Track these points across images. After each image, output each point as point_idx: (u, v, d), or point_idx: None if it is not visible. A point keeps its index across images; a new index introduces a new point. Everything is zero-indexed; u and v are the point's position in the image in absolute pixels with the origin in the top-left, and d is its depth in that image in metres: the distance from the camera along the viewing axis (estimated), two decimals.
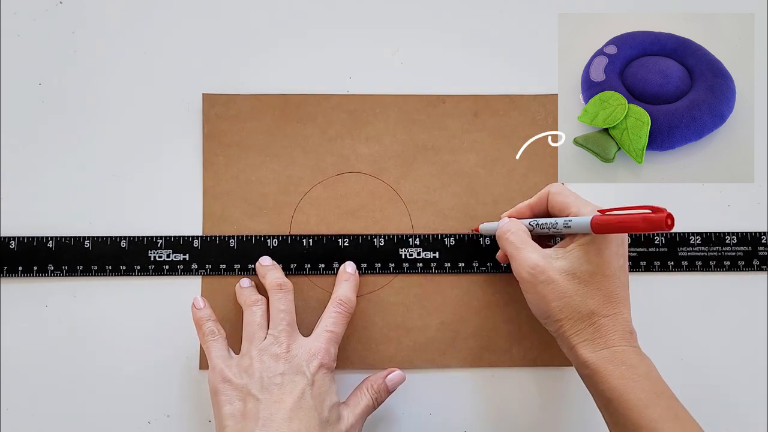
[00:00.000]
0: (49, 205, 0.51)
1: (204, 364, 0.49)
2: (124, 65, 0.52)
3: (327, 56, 0.53)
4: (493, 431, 0.50)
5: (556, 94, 0.52)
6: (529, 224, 0.46)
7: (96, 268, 0.50)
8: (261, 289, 0.49)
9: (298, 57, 0.53)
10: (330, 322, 0.46)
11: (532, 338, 0.50)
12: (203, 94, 0.52)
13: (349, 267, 0.49)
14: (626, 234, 0.44)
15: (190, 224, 0.51)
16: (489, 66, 0.53)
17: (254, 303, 0.47)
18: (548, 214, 0.46)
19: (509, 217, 0.47)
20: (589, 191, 0.52)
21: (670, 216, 0.37)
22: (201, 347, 0.49)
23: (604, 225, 0.40)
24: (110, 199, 0.51)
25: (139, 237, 0.50)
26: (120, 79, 0.52)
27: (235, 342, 0.47)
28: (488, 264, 0.51)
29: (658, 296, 0.51)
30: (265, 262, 0.49)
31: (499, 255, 0.49)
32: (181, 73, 0.52)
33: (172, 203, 0.51)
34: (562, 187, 0.45)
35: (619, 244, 0.43)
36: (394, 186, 0.51)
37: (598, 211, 0.42)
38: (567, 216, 0.43)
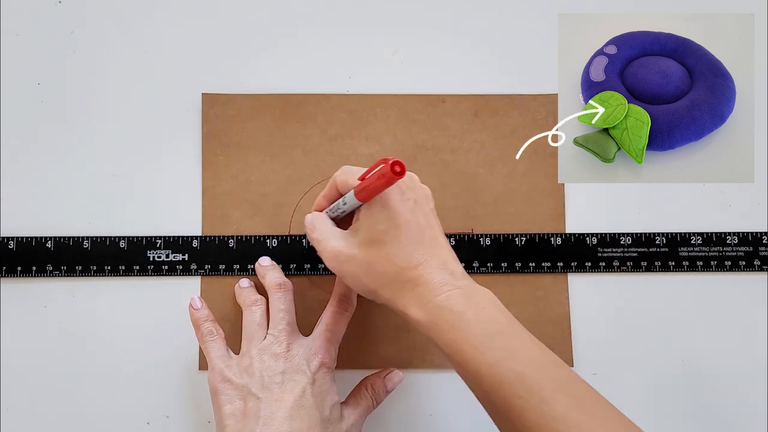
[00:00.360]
0: (48, 205, 0.51)
1: (203, 364, 0.49)
2: (124, 65, 0.52)
3: (327, 56, 0.53)
4: (492, 431, 0.50)
5: (557, 94, 0.52)
6: (326, 213, 0.45)
7: (95, 268, 0.50)
8: (260, 290, 0.48)
9: (298, 57, 0.53)
10: (330, 322, 0.46)
11: None
12: (203, 94, 0.52)
13: None
14: (419, 187, 0.42)
15: (190, 224, 0.51)
16: (489, 66, 0.53)
17: (253, 303, 0.47)
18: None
19: (311, 213, 0.46)
20: (590, 191, 0.52)
21: (396, 163, 0.36)
22: (200, 348, 0.49)
23: (362, 191, 0.39)
24: (109, 199, 0.51)
25: (138, 237, 0.50)
26: (119, 79, 0.52)
27: (234, 342, 0.47)
28: (488, 264, 0.51)
29: (658, 296, 0.51)
30: (264, 262, 0.49)
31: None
32: (181, 73, 0.52)
33: (172, 203, 0.51)
34: (346, 167, 0.43)
35: (404, 192, 0.40)
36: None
37: (358, 179, 0.40)
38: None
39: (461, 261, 0.48)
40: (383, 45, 0.53)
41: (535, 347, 0.37)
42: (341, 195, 0.43)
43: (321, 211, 0.46)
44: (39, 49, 0.52)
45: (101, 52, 0.52)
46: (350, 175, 0.42)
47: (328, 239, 0.42)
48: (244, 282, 0.49)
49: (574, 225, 0.51)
